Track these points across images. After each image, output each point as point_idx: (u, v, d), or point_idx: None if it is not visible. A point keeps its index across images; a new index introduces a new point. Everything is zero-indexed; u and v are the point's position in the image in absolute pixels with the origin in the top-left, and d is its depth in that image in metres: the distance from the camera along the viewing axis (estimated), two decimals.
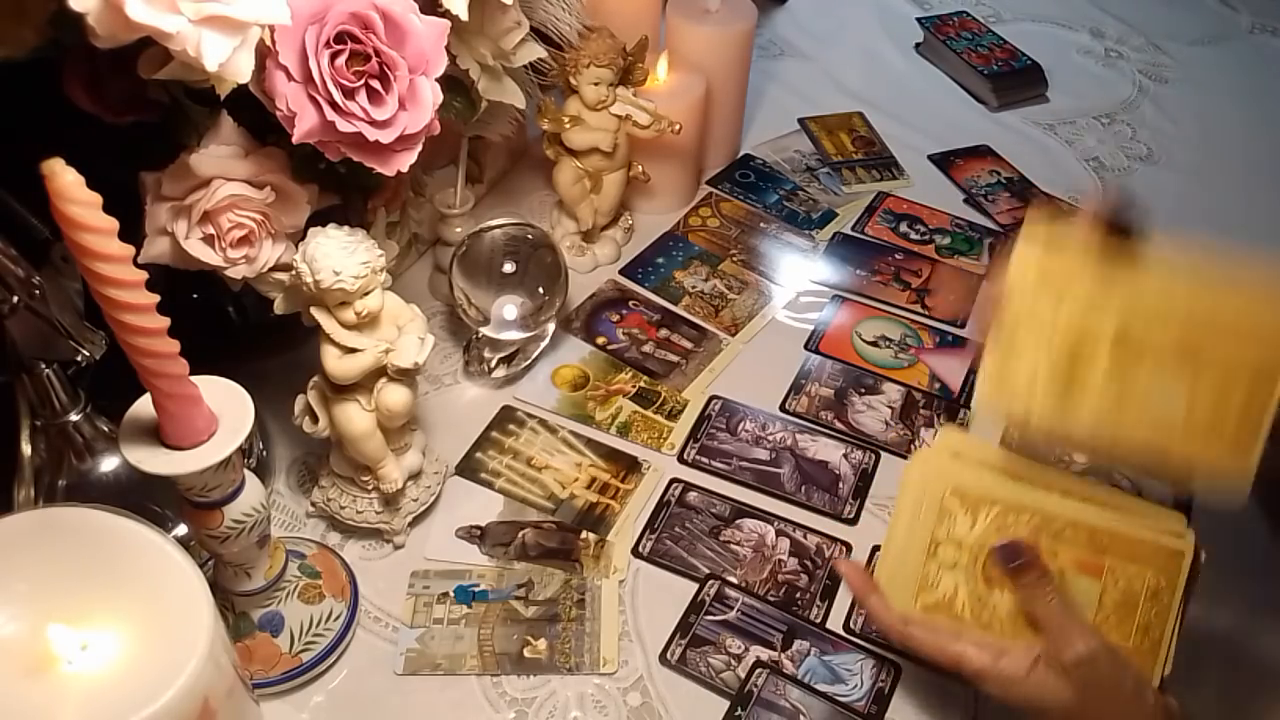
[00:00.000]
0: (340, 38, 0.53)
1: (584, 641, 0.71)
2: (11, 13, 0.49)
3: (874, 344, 0.95)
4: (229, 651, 0.52)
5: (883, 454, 0.85)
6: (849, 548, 0.78)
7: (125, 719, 0.45)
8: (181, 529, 0.69)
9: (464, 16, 0.61)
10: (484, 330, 0.84)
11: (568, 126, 0.91)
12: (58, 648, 0.46)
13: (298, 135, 0.54)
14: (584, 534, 0.77)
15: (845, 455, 0.85)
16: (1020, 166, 1.17)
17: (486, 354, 0.87)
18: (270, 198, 0.59)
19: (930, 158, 1.18)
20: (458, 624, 0.71)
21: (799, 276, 1.01)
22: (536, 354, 0.89)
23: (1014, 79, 1.29)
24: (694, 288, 0.99)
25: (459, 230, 0.89)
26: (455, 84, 0.68)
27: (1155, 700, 0.58)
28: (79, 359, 0.64)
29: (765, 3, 1.39)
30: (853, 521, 0.80)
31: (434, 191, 0.88)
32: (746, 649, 0.71)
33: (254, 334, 0.76)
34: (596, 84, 0.89)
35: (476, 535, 0.77)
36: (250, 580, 0.63)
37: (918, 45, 1.38)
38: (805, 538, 0.78)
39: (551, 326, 0.89)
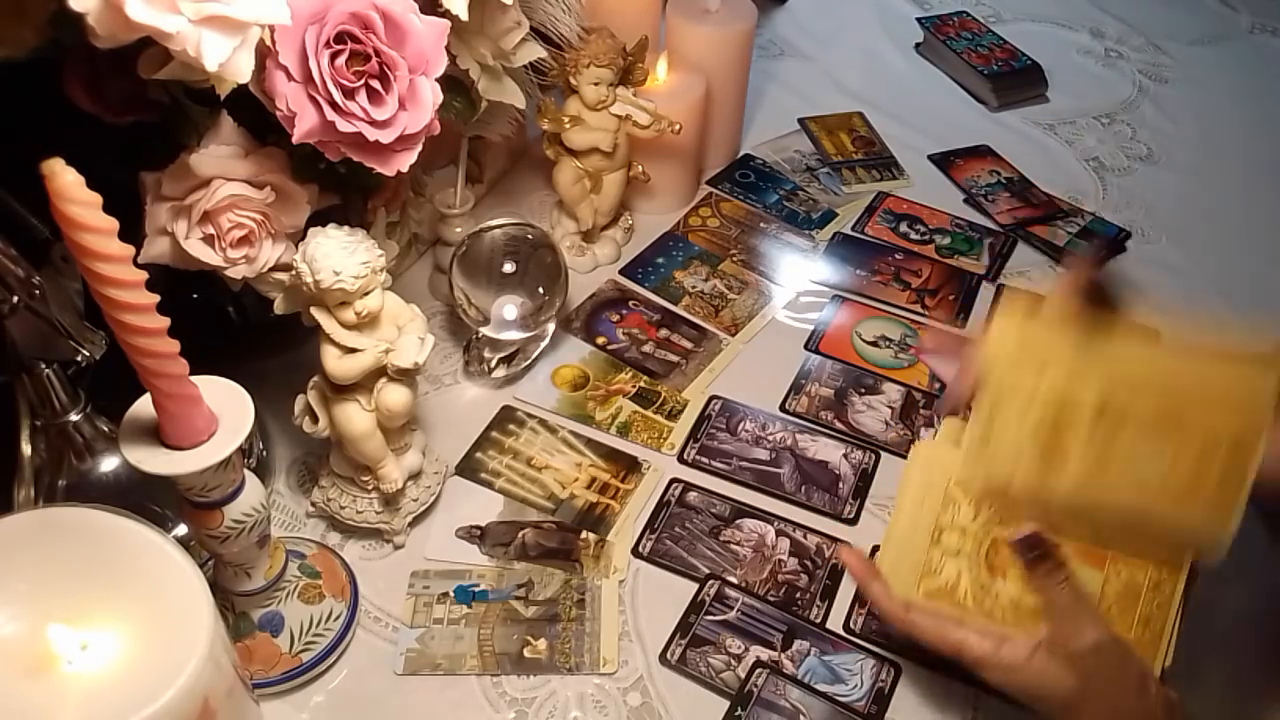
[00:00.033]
0: (340, 38, 0.53)
1: (584, 641, 0.71)
2: (11, 13, 0.49)
3: (874, 344, 0.95)
4: (229, 651, 0.52)
5: (883, 454, 0.85)
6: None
7: (125, 719, 0.45)
8: (181, 529, 0.69)
9: (464, 16, 0.61)
10: (484, 330, 0.84)
11: (568, 126, 0.91)
12: (58, 648, 0.46)
13: (298, 135, 0.54)
14: (584, 534, 0.77)
15: (845, 455, 0.85)
16: (1020, 166, 1.17)
17: (486, 354, 0.87)
18: (270, 198, 0.59)
19: (930, 158, 1.18)
20: (458, 624, 0.71)
21: (799, 276, 1.01)
22: (536, 354, 0.89)
23: (1014, 79, 1.29)
24: (694, 288, 0.99)
25: (459, 230, 0.89)
26: (455, 84, 0.68)
27: (1157, 692, 0.58)
28: (79, 359, 0.64)
29: (765, 3, 1.39)
30: (853, 521, 0.80)
31: (434, 191, 0.88)
32: (746, 649, 0.71)
33: (254, 334, 0.76)
34: (596, 84, 0.89)
35: (476, 535, 0.77)
36: (250, 580, 0.63)
37: (918, 45, 1.38)
38: (805, 538, 0.78)
39: (551, 326, 0.89)
